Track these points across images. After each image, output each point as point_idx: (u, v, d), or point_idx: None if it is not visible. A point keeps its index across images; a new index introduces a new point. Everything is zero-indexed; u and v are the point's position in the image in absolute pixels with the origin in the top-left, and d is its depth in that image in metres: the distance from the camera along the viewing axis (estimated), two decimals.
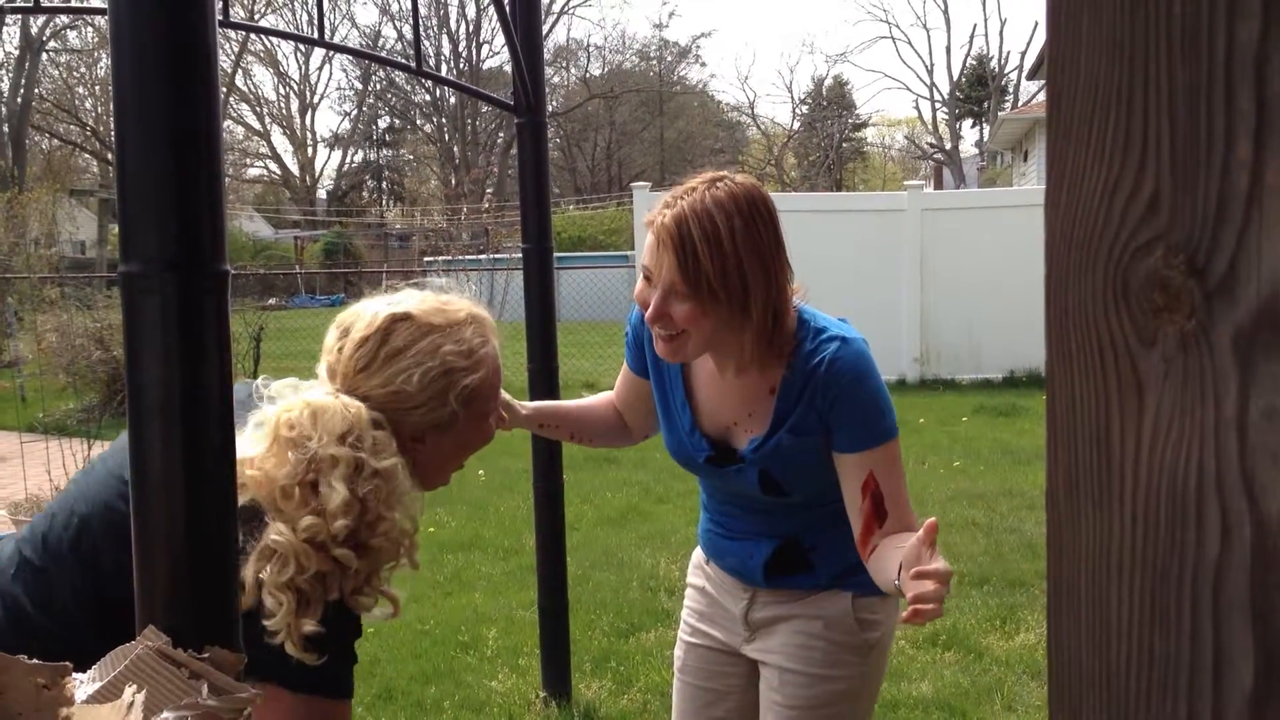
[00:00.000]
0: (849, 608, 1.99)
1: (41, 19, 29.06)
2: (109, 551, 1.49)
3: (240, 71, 41.57)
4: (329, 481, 1.46)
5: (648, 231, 1.81)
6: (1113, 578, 0.53)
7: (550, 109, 4.39)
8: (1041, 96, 35.58)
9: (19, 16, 26.61)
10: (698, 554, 2.21)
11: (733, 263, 1.74)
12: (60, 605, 1.50)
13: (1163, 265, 0.50)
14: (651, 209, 1.82)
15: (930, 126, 49.24)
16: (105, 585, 1.49)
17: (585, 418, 2.21)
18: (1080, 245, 0.53)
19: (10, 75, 31.28)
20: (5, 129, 30.37)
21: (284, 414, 1.53)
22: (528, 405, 2.13)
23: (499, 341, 1.72)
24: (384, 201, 53.84)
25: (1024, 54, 43.69)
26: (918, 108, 46.92)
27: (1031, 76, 28.13)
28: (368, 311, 1.64)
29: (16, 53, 31.45)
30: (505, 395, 1.93)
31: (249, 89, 46.56)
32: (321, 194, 51.22)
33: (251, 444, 1.51)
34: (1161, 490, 0.51)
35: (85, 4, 8.07)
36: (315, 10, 4.42)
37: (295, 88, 49.29)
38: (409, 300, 1.65)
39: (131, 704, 0.77)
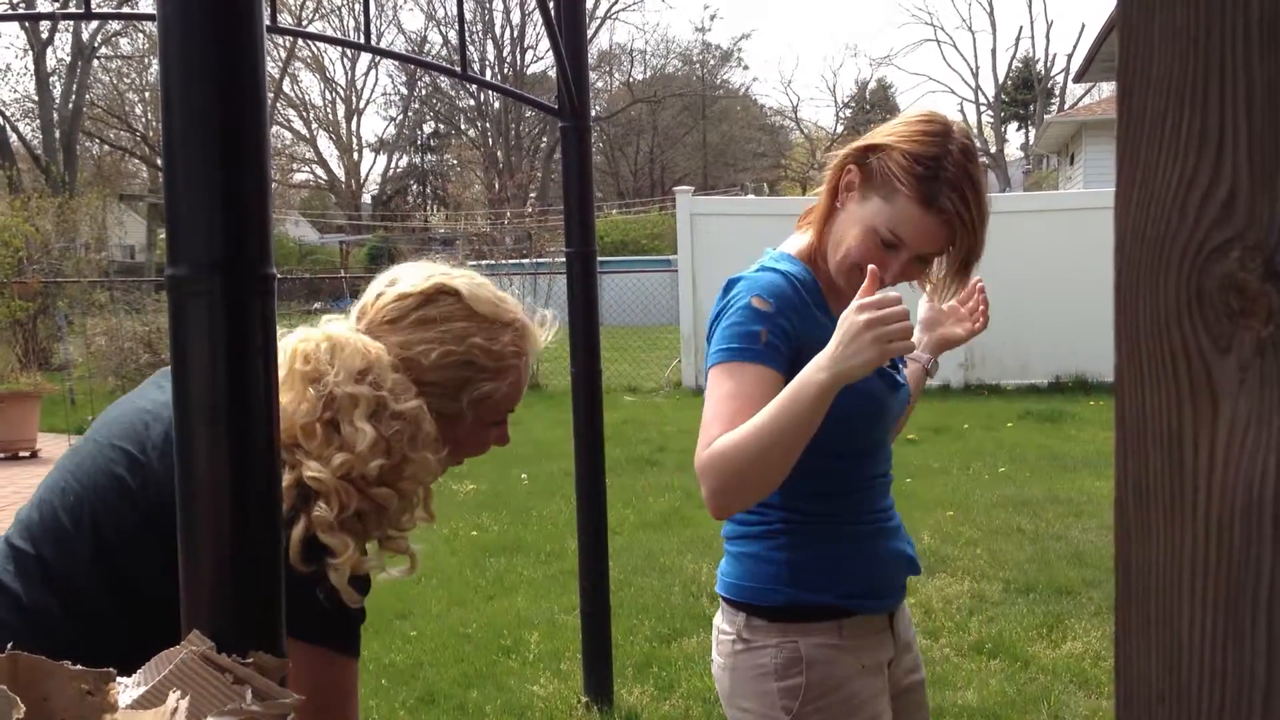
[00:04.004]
0: None
1: (93, 26, 29.51)
2: (108, 520, 1.41)
3: (288, 77, 42.02)
4: (352, 421, 1.40)
5: (924, 213, 1.73)
6: (1184, 592, 0.51)
7: (594, 113, 4.40)
8: (1087, 100, 35.25)
9: (70, 24, 27.02)
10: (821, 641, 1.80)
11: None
12: (63, 579, 1.41)
13: (1239, 268, 0.48)
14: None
15: (975, 130, 48.92)
16: (112, 552, 1.40)
17: None
18: (1153, 245, 0.51)
19: (62, 82, 31.76)
20: (57, 135, 30.83)
21: (300, 345, 1.45)
22: None
23: (535, 360, 1.61)
24: (428, 206, 54.14)
25: (1070, 56, 43.42)
26: (962, 111, 46.58)
27: (1078, 79, 27.81)
28: (422, 271, 1.57)
29: (68, 59, 31.95)
30: None
31: (296, 94, 47.04)
32: (367, 199, 51.62)
33: None
34: (1236, 502, 0.49)
35: (136, 10, 8.18)
36: (362, 16, 4.46)
37: (342, 93, 49.73)
38: (467, 279, 1.57)
39: (175, 709, 0.77)
